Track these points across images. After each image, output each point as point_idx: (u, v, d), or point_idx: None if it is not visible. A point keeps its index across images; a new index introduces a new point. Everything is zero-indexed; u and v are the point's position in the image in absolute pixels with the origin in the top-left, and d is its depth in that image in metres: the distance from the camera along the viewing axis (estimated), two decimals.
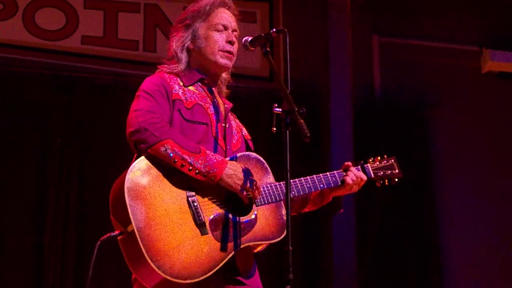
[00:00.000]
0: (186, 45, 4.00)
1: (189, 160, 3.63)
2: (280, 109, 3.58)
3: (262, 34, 3.85)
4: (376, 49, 8.30)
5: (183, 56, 4.00)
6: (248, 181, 3.71)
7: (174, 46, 4.01)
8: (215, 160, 3.68)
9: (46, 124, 7.13)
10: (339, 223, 7.35)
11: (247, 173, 3.72)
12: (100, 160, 7.10)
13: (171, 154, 3.63)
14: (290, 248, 3.41)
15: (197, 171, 3.64)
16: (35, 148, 7.07)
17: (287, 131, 3.51)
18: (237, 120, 4.13)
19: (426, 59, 8.34)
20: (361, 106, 7.90)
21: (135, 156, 3.77)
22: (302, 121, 3.50)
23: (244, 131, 4.13)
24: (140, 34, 7.71)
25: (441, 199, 8.03)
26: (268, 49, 3.82)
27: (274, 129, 3.63)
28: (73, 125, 7.18)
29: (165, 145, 3.63)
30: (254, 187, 3.73)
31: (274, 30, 3.83)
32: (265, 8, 8.05)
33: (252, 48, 3.88)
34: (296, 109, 3.52)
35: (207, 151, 3.70)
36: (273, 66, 3.82)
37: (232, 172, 3.69)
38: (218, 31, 4.01)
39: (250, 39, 3.88)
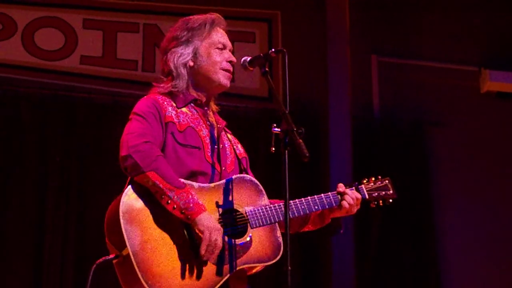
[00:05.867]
0: (187, 62, 3.95)
1: (169, 194, 3.60)
2: (279, 129, 3.56)
3: (261, 54, 3.84)
4: (374, 69, 8.31)
5: (185, 73, 3.95)
6: (214, 240, 3.60)
7: (175, 62, 3.95)
8: (196, 201, 3.62)
9: (45, 144, 7.12)
10: (338, 241, 7.33)
11: (216, 231, 3.63)
12: (99, 180, 7.08)
13: (153, 186, 3.61)
14: (289, 268, 3.40)
15: (175, 206, 3.60)
16: (33, 168, 7.05)
17: (286, 151, 3.50)
18: (231, 136, 4.08)
19: (425, 79, 8.35)
20: (360, 125, 7.89)
21: (129, 178, 3.76)
22: (301, 141, 3.48)
23: (239, 148, 4.07)
24: (139, 54, 7.72)
25: (441, 217, 8.02)
26: (267, 69, 3.81)
27: (273, 149, 3.61)
28: (72, 145, 7.17)
29: (148, 176, 3.61)
30: (210, 249, 3.61)
31: (273, 50, 3.80)
32: (264, 28, 8.06)
33: (251, 68, 3.87)
34: (295, 129, 3.51)
35: (192, 192, 3.65)
36: (272, 86, 3.82)
37: (207, 220, 3.61)
38: (218, 49, 3.99)
39: (249, 59, 3.87)
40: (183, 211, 3.60)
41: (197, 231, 3.61)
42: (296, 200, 3.93)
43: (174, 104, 3.89)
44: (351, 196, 4.01)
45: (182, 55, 3.96)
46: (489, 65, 8.33)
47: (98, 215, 6.78)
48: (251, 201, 3.79)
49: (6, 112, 7.12)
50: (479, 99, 8.37)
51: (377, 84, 8.28)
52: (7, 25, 7.44)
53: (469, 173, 8.15)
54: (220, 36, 4.03)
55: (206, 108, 4.00)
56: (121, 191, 3.72)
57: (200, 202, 3.64)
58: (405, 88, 8.30)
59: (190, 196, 3.62)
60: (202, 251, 3.59)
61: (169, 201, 3.60)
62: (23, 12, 7.51)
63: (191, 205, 3.60)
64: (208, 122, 3.95)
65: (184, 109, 3.90)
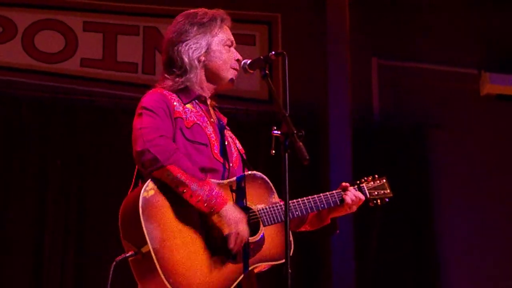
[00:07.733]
0: (200, 56, 3.90)
1: (192, 187, 3.57)
2: (279, 132, 3.55)
3: (261, 57, 3.82)
4: (375, 72, 8.31)
5: (199, 67, 3.92)
6: (238, 231, 3.64)
7: (190, 55, 3.88)
8: (218, 193, 3.62)
9: (45, 147, 7.13)
10: (338, 241, 7.34)
11: (241, 221, 3.66)
12: (99, 182, 7.10)
13: (174, 180, 3.57)
14: (289, 271, 3.40)
15: (198, 198, 3.58)
16: (34, 170, 7.06)
17: (286, 154, 3.49)
18: (231, 133, 4.08)
19: (425, 81, 8.36)
20: (360, 128, 7.90)
21: (134, 177, 3.74)
22: (301, 143, 3.47)
23: (238, 144, 4.08)
24: (139, 57, 7.73)
25: (441, 219, 8.03)
26: (267, 71, 3.79)
27: (273, 151, 3.62)
28: (72, 148, 7.18)
29: (169, 170, 3.57)
30: (239, 241, 3.64)
31: (273, 52, 3.78)
32: (264, 31, 8.07)
33: (251, 71, 3.85)
34: (295, 131, 3.49)
35: (213, 183, 3.64)
36: (272, 88, 3.80)
37: (231, 211, 3.63)
38: (228, 46, 3.96)
39: (249, 61, 3.86)
40: (206, 204, 3.58)
41: (221, 224, 3.61)
42: (304, 198, 3.94)
43: (180, 100, 3.85)
44: (354, 193, 4.03)
45: (196, 49, 3.89)
46: (489, 68, 8.34)
47: (98, 216, 6.89)
48: (262, 199, 3.80)
49: (6, 115, 7.12)
50: (479, 102, 8.38)
51: (377, 86, 8.29)
52: (7, 28, 7.45)
53: (469, 176, 8.16)
54: (228, 33, 4.00)
55: (209, 104, 3.98)
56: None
57: (223, 193, 3.63)
58: (405, 90, 8.31)
59: (213, 188, 3.61)
60: (231, 244, 3.61)
61: (192, 195, 3.57)
62: (23, 14, 7.52)
63: (215, 197, 3.59)
64: (212, 119, 3.94)
65: (188, 106, 3.86)
